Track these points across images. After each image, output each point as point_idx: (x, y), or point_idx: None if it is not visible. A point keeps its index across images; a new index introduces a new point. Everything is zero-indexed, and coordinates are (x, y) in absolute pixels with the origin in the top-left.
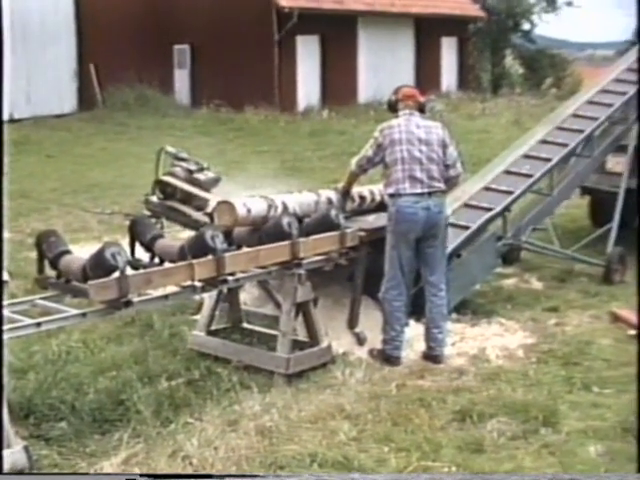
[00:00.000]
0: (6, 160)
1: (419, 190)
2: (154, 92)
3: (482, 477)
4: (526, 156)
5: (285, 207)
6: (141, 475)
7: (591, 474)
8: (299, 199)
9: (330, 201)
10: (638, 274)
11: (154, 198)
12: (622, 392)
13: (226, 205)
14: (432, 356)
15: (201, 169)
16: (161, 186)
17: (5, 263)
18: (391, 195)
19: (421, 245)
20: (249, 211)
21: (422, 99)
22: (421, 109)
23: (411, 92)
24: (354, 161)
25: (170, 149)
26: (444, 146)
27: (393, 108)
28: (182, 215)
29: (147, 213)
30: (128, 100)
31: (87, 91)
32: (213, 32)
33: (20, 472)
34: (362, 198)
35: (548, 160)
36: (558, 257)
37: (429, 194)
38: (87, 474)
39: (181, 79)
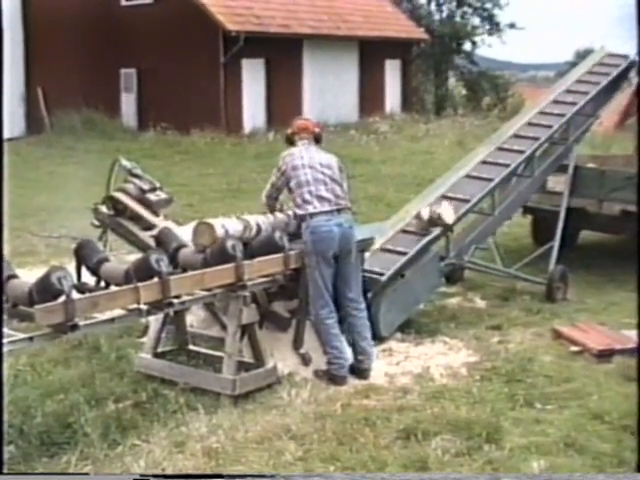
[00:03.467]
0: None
1: (328, 208)
2: (101, 116)
3: (481, 477)
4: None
5: (259, 228)
6: (142, 475)
7: (590, 474)
8: (271, 220)
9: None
10: (638, 286)
11: (104, 208)
12: (564, 408)
13: (205, 226)
14: (362, 370)
15: (154, 189)
16: (112, 202)
17: None
18: (302, 217)
19: (337, 263)
20: (227, 232)
21: (317, 129)
22: (317, 139)
23: (304, 124)
24: (263, 195)
25: (125, 163)
26: (341, 173)
27: (290, 140)
28: (129, 233)
29: (95, 222)
30: (75, 124)
31: (35, 115)
32: (159, 56)
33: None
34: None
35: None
36: (501, 276)
37: (338, 211)
38: (87, 474)
39: (128, 102)
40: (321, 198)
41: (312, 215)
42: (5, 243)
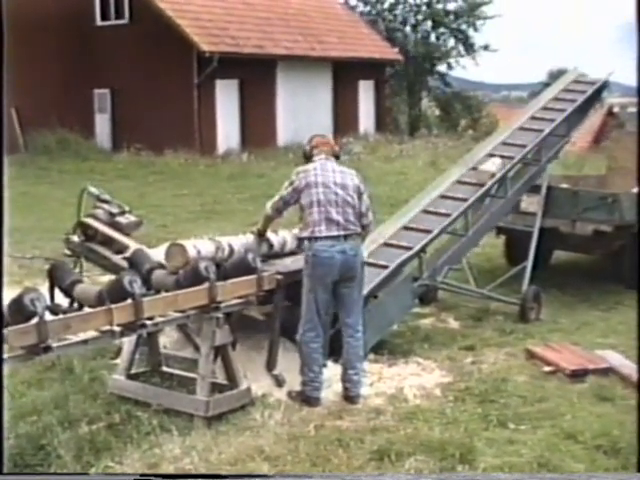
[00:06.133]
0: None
1: (335, 232)
2: (75, 136)
3: (483, 477)
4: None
5: (231, 249)
6: (142, 475)
7: (590, 474)
8: (244, 241)
9: (271, 244)
10: (639, 298)
11: (75, 238)
12: (537, 428)
13: (177, 247)
14: (349, 397)
15: (122, 212)
16: (82, 228)
17: None
18: (307, 238)
19: (338, 287)
20: (199, 253)
21: (336, 147)
22: (336, 156)
23: (325, 140)
24: (269, 205)
25: (93, 190)
26: (359, 193)
27: (308, 156)
28: (102, 258)
29: (67, 252)
30: (49, 144)
31: (9, 135)
32: (133, 76)
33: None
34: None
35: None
36: (474, 296)
37: (345, 237)
38: (87, 474)
39: (102, 123)
40: (330, 220)
41: (317, 238)
42: None
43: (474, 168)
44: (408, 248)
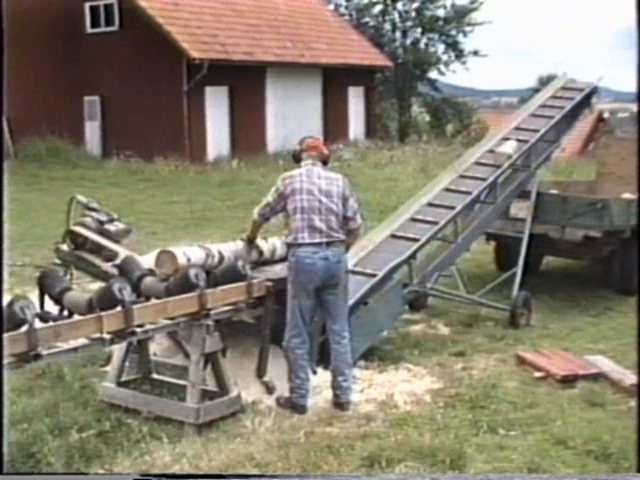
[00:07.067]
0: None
1: (317, 240)
2: (65, 143)
3: (482, 477)
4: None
5: (221, 256)
6: (143, 475)
7: (591, 474)
8: (234, 248)
9: (261, 251)
10: (639, 302)
11: (64, 247)
12: (528, 433)
13: (167, 254)
14: (339, 403)
15: (111, 220)
16: (72, 236)
17: None
18: (290, 245)
19: (321, 294)
20: (189, 260)
21: (326, 151)
22: (324, 160)
23: (315, 143)
24: (256, 210)
25: (81, 198)
26: (344, 199)
27: (297, 158)
28: (91, 266)
29: (57, 261)
30: (40, 151)
31: None
32: (123, 83)
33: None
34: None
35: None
36: (464, 302)
37: (327, 244)
38: (87, 474)
39: (92, 130)
40: (312, 228)
41: (300, 245)
42: None
43: (491, 151)
44: (434, 223)
